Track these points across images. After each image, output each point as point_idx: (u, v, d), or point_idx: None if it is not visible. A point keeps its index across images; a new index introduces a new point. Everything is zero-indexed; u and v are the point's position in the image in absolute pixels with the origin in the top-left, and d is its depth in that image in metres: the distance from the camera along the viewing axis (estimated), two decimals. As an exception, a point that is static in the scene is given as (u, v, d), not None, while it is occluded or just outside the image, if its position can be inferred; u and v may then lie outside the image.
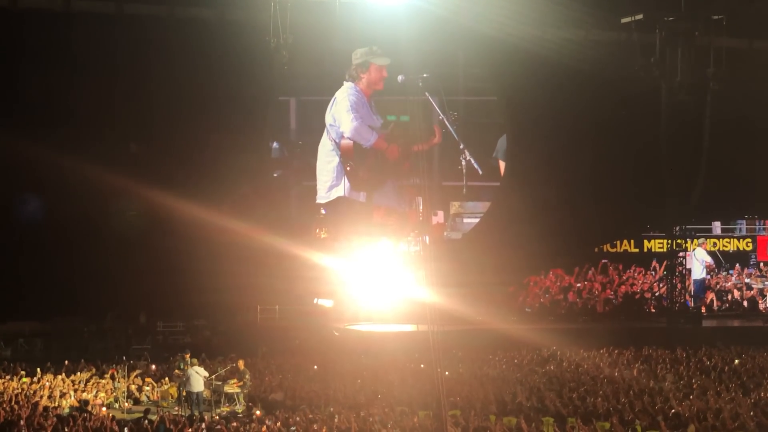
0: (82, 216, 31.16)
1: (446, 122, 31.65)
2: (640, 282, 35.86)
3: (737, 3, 32.60)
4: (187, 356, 26.32)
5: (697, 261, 35.23)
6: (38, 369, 26.93)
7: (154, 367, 27.91)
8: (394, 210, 32.56)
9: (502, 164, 34.98)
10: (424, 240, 31.87)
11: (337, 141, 31.66)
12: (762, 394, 22.87)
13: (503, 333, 30.46)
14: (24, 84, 30.76)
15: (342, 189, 31.74)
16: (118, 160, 31.30)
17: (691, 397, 22.64)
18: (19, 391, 24.88)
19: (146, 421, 21.12)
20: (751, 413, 20.61)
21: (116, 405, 25.32)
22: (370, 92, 31.86)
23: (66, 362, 27.80)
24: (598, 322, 33.34)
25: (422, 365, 25.82)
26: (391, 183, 32.44)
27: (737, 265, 37.00)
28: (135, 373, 26.83)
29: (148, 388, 26.36)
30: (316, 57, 32.78)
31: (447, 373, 25.43)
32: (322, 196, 32.27)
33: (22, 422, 20.55)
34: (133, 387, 26.18)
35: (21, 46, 30.94)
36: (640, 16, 32.24)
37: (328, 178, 31.96)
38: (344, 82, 31.80)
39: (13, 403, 23.10)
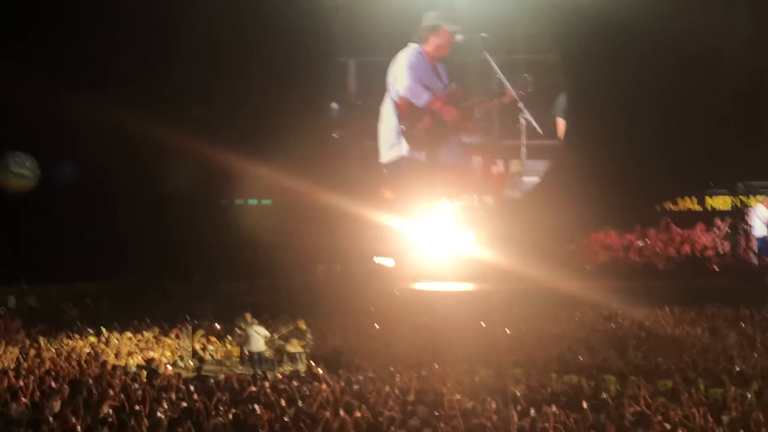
0: (144, 177, 31.52)
1: (506, 83, 31.46)
2: (703, 240, 35.53)
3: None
4: (248, 316, 26.62)
5: (758, 218, 34.82)
6: (105, 329, 27.42)
7: (218, 326, 28.27)
8: (455, 167, 32.51)
9: (560, 122, 34.75)
10: (484, 199, 32.04)
11: (395, 100, 31.67)
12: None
13: (564, 291, 30.36)
14: (80, 44, 31.03)
15: (401, 149, 31.77)
16: (177, 120, 31.56)
17: (755, 355, 22.52)
18: (88, 350, 25.39)
19: (212, 380, 21.47)
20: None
21: (181, 363, 25.75)
22: (436, 55, 31.69)
23: (133, 322, 28.26)
24: (660, 281, 33.09)
25: (483, 323, 25.97)
26: (453, 140, 32.34)
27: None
28: (199, 333, 27.21)
29: (212, 347, 26.76)
30: (375, 17, 32.71)
31: (508, 331, 25.56)
32: (384, 155, 32.32)
33: (90, 381, 20.99)
34: (197, 346, 26.58)
35: (76, 4, 31.18)
36: (702, -27, 31.81)
37: (389, 137, 31.98)
38: (409, 44, 31.71)
39: (82, 361, 23.59)
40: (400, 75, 31.40)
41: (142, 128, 29.79)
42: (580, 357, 22.96)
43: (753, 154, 34.02)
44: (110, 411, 17.15)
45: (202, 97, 32.43)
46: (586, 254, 34.48)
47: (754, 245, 34.51)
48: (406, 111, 31.39)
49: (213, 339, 27.16)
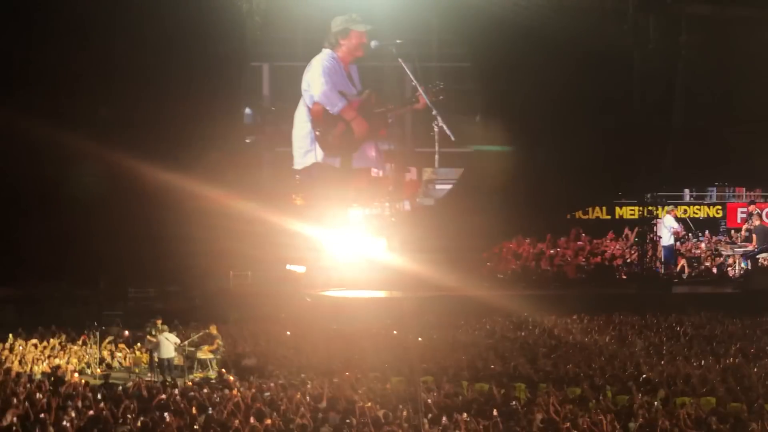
0: (51, 180, 30.98)
1: (419, 89, 31.56)
2: (612, 249, 36.05)
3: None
4: (159, 322, 26.30)
5: (665, 228, 35.40)
6: (10, 335, 26.85)
7: (126, 333, 27.88)
8: (368, 173, 32.53)
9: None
10: (396, 206, 32.10)
11: (309, 106, 31.59)
12: (731, 360, 23.10)
13: (475, 299, 30.54)
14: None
15: (315, 155, 31.69)
16: (86, 124, 31.12)
17: (662, 362, 22.86)
18: (-9, 357, 24.85)
19: (120, 388, 21.15)
20: (720, 378, 20.85)
21: (88, 371, 25.32)
22: (349, 59, 31.68)
23: (39, 328, 27.72)
24: (570, 289, 33.47)
25: (395, 331, 25.98)
26: (367, 147, 32.35)
27: (707, 232, 37.30)
28: (107, 340, 26.80)
29: (120, 354, 26.37)
30: (290, 22, 32.63)
31: (419, 338, 25.59)
32: (298, 162, 32.22)
33: (-6, 388, 20.53)
34: (105, 353, 26.17)
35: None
36: (613, -18, 32.28)
37: (303, 144, 31.91)
38: (323, 49, 31.65)
39: (-16, 369, 23.06)
40: (315, 81, 31.35)
41: (49, 131, 29.29)
42: (491, 365, 23.06)
43: (661, 165, 34.58)
44: (14, 419, 16.79)
45: (112, 99, 31.94)
46: (497, 262, 34.74)
47: (661, 254, 35.08)
48: (320, 117, 31.34)
49: (121, 346, 26.76)
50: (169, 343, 25.37)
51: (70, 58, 30.66)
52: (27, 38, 30.56)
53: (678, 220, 36.29)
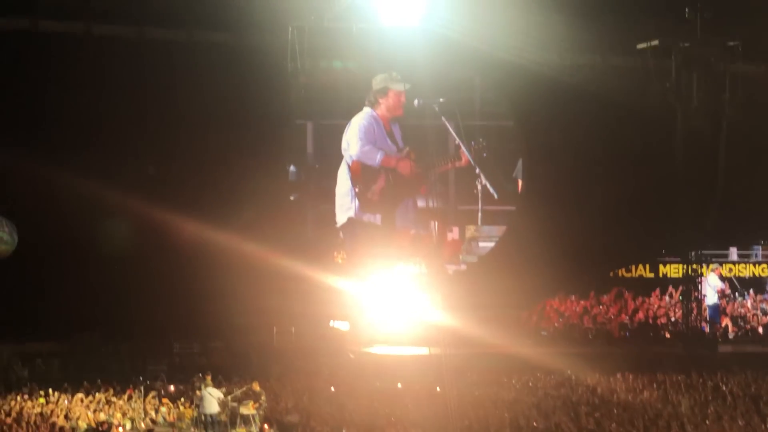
0: (98, 237, 31.38)
1: (462, 147, 31.71)
2: (656, 307, 35.83)
3: (753, 30, 32.69)
4: (208, 377, 26.41)
5: (710, 287, 35.20)
6: (55, 389, 27.07)
7: (171, 388, 28.00)
8: (409, 231, 32.61)
9: (521, 183, 35.04)
10: (439, 263, 32.10)
11: (349, 164, 31.82)
12: (777, 420, 22.85)
13: (518, 356, 30.45)
14: (43, 108, 31.07)
15: (353, 210, 31.86)
16: (136, 182, 31.55)
17: (707, 422, 22.64)
18: (37, 411, 25.04)
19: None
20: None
21: (133, 425, 25.44)
22: (389, 117, 31.84)
23: (84, 383, 27.92)
24: (614, 347, 33.27)
25: (437, 388, 25.92)
26: (408, 204, 32.43)
27: (752, 290, 36.98)
28: (151, 394, 26.93)
29: (164, 409, 26.47)
30: (333, 81, 33.02)
31: (461, 395, 25.51)
32: (339, 219, 32.36)
33: (39, 442, 20.73)
34: (149, 408, 26.29)
35: (40, 70, 31.27)
36: (655, 42, 32.36)
37: (344, 201, 32.00)
38: (364, 108, 31.96)
39: (31, 423, 23.26)
40: (353, 139, 31.52)
41: (98, 189, 29.75)
42: (533, 422, 22.96)
43: (705, 223, 34.44)
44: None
45: (158, 157, 32.39)
46: (540, 319, 34.63)
47: (706, 313, 34.83)
48: (359, 173, 31.46)
49: (165, 401, 26.87)
50: (212, 398, 25.44)
51: (118, 116, 31.19)
52: (76, 96, 31.15)
53: (723, 278, 36.05)
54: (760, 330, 35.40)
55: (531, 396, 26.64)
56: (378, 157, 32.26)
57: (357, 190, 32.09)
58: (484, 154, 31.79)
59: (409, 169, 32.43)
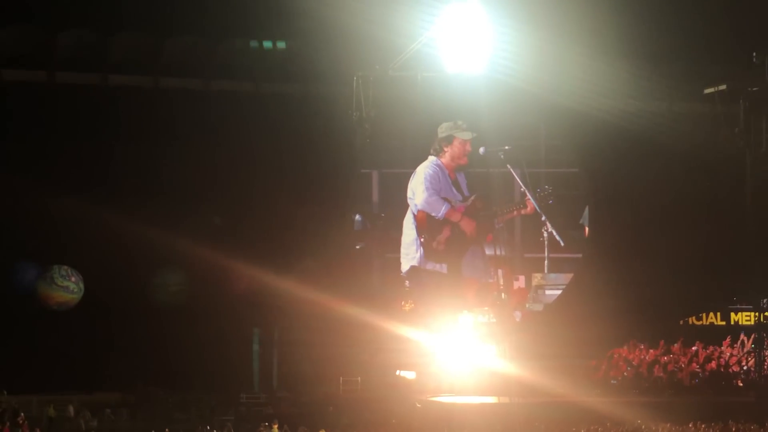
0: (166, 288, 31.73)
1: (528, 194, 31.57)
2: (728, 355, 35.21)
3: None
4: (276, 426, 26.45)
5: (781, 334, 34.52)
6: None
7: (238, 438, 28.12)
8: (476, 280, 32.46)
9: (587, 230, 34.82)
10: (506, 312, 31.90)
11: (414, 213, 31.83)
12: None
13: (586, 406, 30.07)
14: (112, 159, 31.58)
15: (417, 259, 31.80)
16: (202, 232, 31.87)
17: (780, 473, 22.19)
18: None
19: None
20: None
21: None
22: (453, 166, 31.76)
23: (151, 432, 28.13)
24: (684, 396, 32.73)
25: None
26: (475, 252, 32.31)
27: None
28: (219, 444, 27.05)
29: (230, 458, 26.56)
30: (398, 130, 33.15)
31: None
32: (404, 268, 32.32)
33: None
34: (216, 457, 26.40)
35: (109, 122, 31.83)
36: (723, 87, 32.11)
37: (409, 250, 31.94)
38: (429, 157, 32.01)
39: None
40: (418, 188, 31.44)
41: (166, 239, 30.10)
42: (602, 473, 22.67)
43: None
44: None
45: (225, 208, 32.70)
46: (609, 368, 34.19)
47: (779, 361, 34.17)
48: (424, 223, 31.41)
49: (232, 450, 26.99)
50: (280, 447, 25.51)
51: (186, 167, 31.59)
52: (146, 147, 31.67)
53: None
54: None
55: (600, 446, 26.31)
56: (442, 210, 32.23)
57: (422, 240, 32.09)
58: (550, 201, 31.59)
59: (471, 227, 32.39)
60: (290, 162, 32.14)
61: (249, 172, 32.14)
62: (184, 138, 31.92)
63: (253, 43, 32.87)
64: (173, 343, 31.52)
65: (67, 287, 30.82)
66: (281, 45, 32.88)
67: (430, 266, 31.83)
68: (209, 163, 31.96)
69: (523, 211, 31.87)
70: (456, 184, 32.20)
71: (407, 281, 32.57)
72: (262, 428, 27.28)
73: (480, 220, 31.70)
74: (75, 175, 31.52)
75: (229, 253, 31.13)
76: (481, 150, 30.53)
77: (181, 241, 30.28)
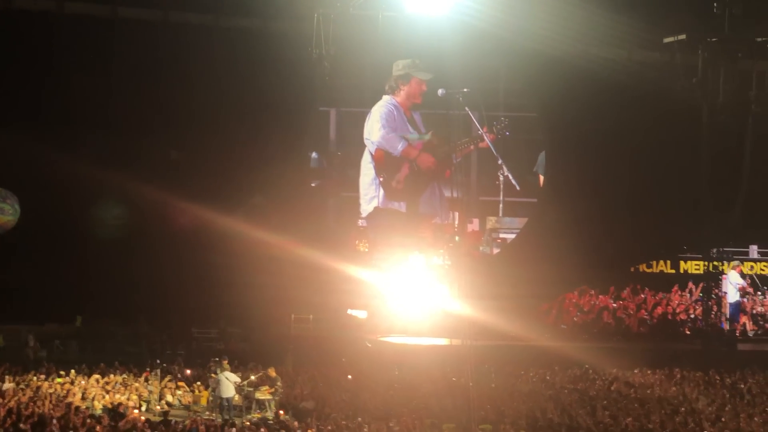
0: (118, 222, 31.47)
1: (485, 137, 31.58)
2: (676, 303, 35.64)
3: (782, 26, 32.45)
4: (225, 362, 26.48)
5: (731, 284, 35.00)
6: (72, 370, 27.19)
7: (188, 371, 28.07)
8: (433, 218, 32.53)
9: (542, 179, 34.91)
10: (460, 254, 32.05)
11: (371, 152, 31.77)
12: (796, 419, 22.74)
13: (536, 349, 30.43)
14: (64, 89, 31.08)
15: (378, 200, 31.81)
16: (156, 167, 31.59)
17: (723, 419, 22.53)
18: (53, 391, 25.15)
19: (180, 426, 21.30)
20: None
21: (148, 408, 25.53)
22: (409, 104, 31.86)
23: (101, 365, 28.02)
24: (632, 342, 33.17)
25: (454, 378, 25.88)
26: (433, 190, 32.35)
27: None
28: (168, 377, 27.01)
29: (180, 392, 26.55)
30: (358, 69, 32.97)
31: (478, 386, 25.46)
32: (364, 209, 32.34)
33: (54, 421, 20.80)
34: (166, 391, 26.37)
35: (64, 51, 31.27)
36: (683, 37, 32.15)
37: (368, 190, 32.05)
38: (383, 96, 31.90)
39: (47, 402, 23.36)
40: (374, 127, 31.53)
41: (116, 173, 29.82)
42: (549, 415, 22.88)
43: (727, 221, 34.23)
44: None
45: (180, 143, 32.35)
46: (560, 313, 34.49)
47: (726, 310, 34.65)
48: (382, 162, 31.49)
49: (182, 384, 26.94)
50: (229, 383, 25.51)
51: (144, 102, 31.20)
52: (103, 81, 31.21)
53: (744, 276, 35.83)
54: (781, 328, 35.21)
55: (548, 389, 26.59)
56: (399, 147, 32.27)
57: (381, 179, 32.12)
58: (507, 133, 31.74)
59: (429, 162, 32.46)
60: (248, 98, 31.82)
61: (206, 106, 31.78)
62: (141, 71, 31.45)
63: (215, -25, 32.39)
64: (125, 278, 31.32)
65: (2, 209, 30.44)
66: (243, -22, 32.43)
67: (391, 206, 31.96)
68: (165, 96, 31.54)
69: (480, 144, 32.07)
70: (412, 122, 32.23)
71: (366, 222, 32.66)
72: (212, 363, 27.27)
73: (437, 156, 31.85)
74: (21, 104, 31.01)
75: (175, 188, 30.86)
76: (440, 92, 30.55)
77: (125, 175, 29.98)
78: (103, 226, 31.49)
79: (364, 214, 32.43)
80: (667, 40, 32.46)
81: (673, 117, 33.14)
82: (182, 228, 31.39)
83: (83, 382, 26.19)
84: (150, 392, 26.07)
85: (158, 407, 25.53)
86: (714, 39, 32.00)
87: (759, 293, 36.49)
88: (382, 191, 31.63)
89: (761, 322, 35.42)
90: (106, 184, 30.48)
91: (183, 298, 32.10)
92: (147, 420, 22.16)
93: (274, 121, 31.99)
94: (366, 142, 31.84)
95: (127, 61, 31.46)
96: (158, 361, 28.31)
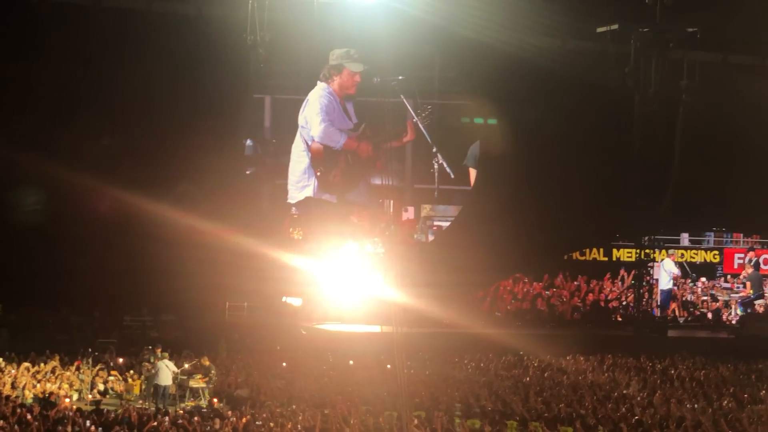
0: (50, 210, 31.04)
1: (420, 125, 31.70)
2: (608, 290, 36.06)
3: (711, 17, 32.86)
4: (159, 350, 26.25)
5: (665, 272, 35.50)
6: (1, 359, 26.81)
7: (120, 360, 27.81)
8: (365, 207, 32.60)
9: (472, 172, 35.05)
10: (394, 242, 32.14)
11: (308, 143, 31.71)
12: (724, 404, 23.08)
13: (471, 336, 30.58)
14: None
15: (311, 189, 31.81)
16: (89, 153, 31.19)
17: (654, 404, 22.81)
18: (-18, 379, 24.80)
19: (113, 414, 21.09)
20: (712, 422, 20.80)
21: (80, 396, 25.26)
22: (343, 94, 31.90)
23: (31, 353, 27.66)
24: (565, 329, 33.52)
25: (389, 366, 25.91)
26: (365, 183, 32.51)
27: (702, 278, 37.37)
28: (99, 366, 26.73)
29: (112, 378, 26.30)
30: (293, 56, 32.84)
31: (412, 371, 25.56)
32: (294, 196, 32.28)
33: (-17, 411, 20.49)
34: (98, 379, 26.10)
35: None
36: (615, 27, 32.46)
37: (300, 178, 32.02)
38: (318, 82, 31.83)
39: (-24, 391, 23.02)
40: (313, 119, 31.50)
41: (48, 161, 29.38)
42: (483, 402, 23.01)
43: (659, 209, 34.65)
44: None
45: (113, 129, 31.98)
46: (494, 300, 34.73)
47: (658, 297, 35.13)
48: (320, 156, 31.51)
49: (114, 372, 26.69)
50: (167, 371, 25.30)
51: (73, 87, 30.77)
52: (31, 65, 30.71)
53: (677, 264, 36.35)
54: (710, 316, 35.75)
55: (482, 376, 26.73)
56: (341, 141, 32.32)
57: (319, 173, 32.12)
58: (427, 122, 31.98)
59: (368, 151, 32.54)
60: (182, 84, 31.52)
61: (139, 93, 31.42)
62: (72, 55, 30.99)
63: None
64: (57, 265, 30.93)
65: None
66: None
67: (321, 195, 31.98)
68: (97, 82, 31.14)
69: (404, 139, 32.25)
70: (346, 112, 32.26)
71: (295, 209, 32.62)
72: (145, 351, 27.04)
73: (374, 146, 31.94)
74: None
75: (106, 174, 30.50)
76: (375, 79, 30.61)
77: (51, 161, 29.55)
78: (22, 211, 31.02)
79: (293, 201, 32.40)
80: (600, 29, 32.76)
81: (605, 106, 33.49)
82: (104, 215, 31.03)
83: (13, 371, 25.82)
84: (82, 381, 25.78)
85: (90, 396, 25.26)
86: (646, 29, 32.39)
87: (690, 281, 37.10)
88: (316, 182, 31.66)
89: (691, 309, 35.98)
90: (30, 169, 30.01)
91: (114, 286, 31.77)
92: (79, 409, 21.88)
93: (209, 108, 31.75)
94: (301, 130, 31.80)
95: (58, 46, 30.97)
96: (90, 350, 27.99)
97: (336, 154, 31.65)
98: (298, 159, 32.09)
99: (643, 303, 33.92)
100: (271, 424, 19.88)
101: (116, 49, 31.15)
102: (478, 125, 34.81)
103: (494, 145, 34.34)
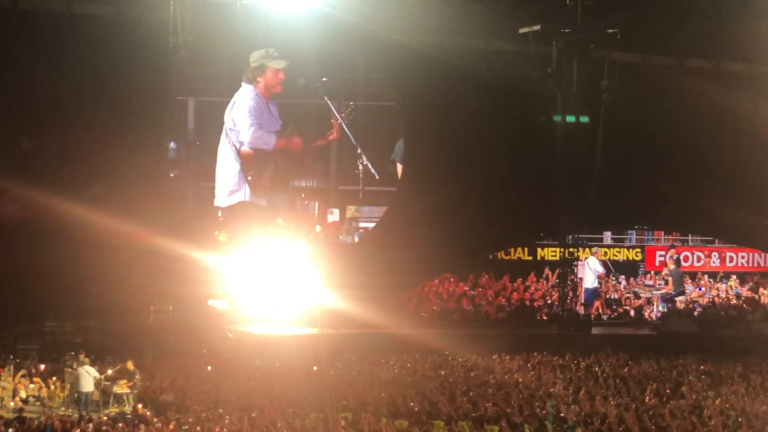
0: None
1: (344, 126, 31.72)
2: (533, 289, 36.37)
3: (632, 18, 33.30)
4: (81, 356, 25.94)
5: (590, 270, 35.90)
6: None
7: (42, 366, 27.43)
8: (291, 209, 32.57)
9: (399, 167, 35.18)
10: (318, 242, 32.18)
11: (237, 147, 31.55)
12: (646, 399, 23.43)
13: (397, 337, 30.64)
14: None
15: (243, 194, 31.70)
16: (7, 156, 30.71)
17: (579, 401, 23.07)
18: None
19: (35, 422, 20.82)
20: (635, 418, 21.10)
21: (2, 404, 24.88)
22: (268, 95, 31.83)
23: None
24: (491, 328, 33.71)
25: (315, 368, 25.92)
26: (292, 186, 32.50)
27: (623, 276, 37.85)
28: (21, 372, 26.34)
29: (33, 385, 25.94)
30: (216, 58, 32.65)
31: (336, 374, 25.57)
32: (222, 200, 32.08)
33: None
34: (19, 387, 25.72)
35: None
36: (537, 28, 32.73)
37: (229, 183, 31.87)
38: (243, 84, 31.71)
39: None
40: (242, 122, 31.36)
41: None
42: (410, 402, 23.08)
43: (582, 208, 35.00)
44: None
45: (32, 130, 31.49)
46: (420, 301, 34.84)
47: (582, 295, 35.49)
48: (251, 160, 31.38)
49: (36, 379, 26.31)
50: (88, 377, 25.02)
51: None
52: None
53: (601, 262, 36.77)
54: (632, 313, 36.20)
55: (408, 376, 26.83)
56: (272, 142, 32.23)
57: (250, 177, 32.00)
58: (351, 117, 32.06)
59: (299, 145, 32.50)
60: (104, 87, 31.12)
61: (60, 96, 30.97)
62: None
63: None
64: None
65: None
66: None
67: (254, 200, 31.88)
68: (15, 85, 30.67)
69: (330, 137, 32.32)
70: (270, 112, 32.15)
71: (221, 212, 32.43)
72: (67, 357, 26.70)
73: (303, 141, 31.97)
74: None
75: (37, 180, 30.05)
76: (300, 80, 30.57)
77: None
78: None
79: (222, 205, 32.20)
80: (522, 30, 33.00)
81: (528, 106, 33.77)
82: (18, 218, 30.54)
83: (-69, 380, 25.37)
84: (3, 388, 25.39)
85: (12, 404, 24.89)
86: (567, 30, 32.71)
87: (613, 278, 37.58)
88: (248, 188, 31.58)
89: (614, 306, 36.41)
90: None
91: (35, 292, 31.29)
92: (0, 417, 21.58)
93: (131, 111, 31.34)
94: (229, 132, 31.63)
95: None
96: (11, 357, 27.56)
97: (266, 157, 31.56)
98: (227, 163, 31.93)
99: (568, 301, 34.23)
100: (198, 429, 19.78)
101: (35, 51, 30.69)
102: (401, 126, 34.83)
103: (419, 145, 34.45)
